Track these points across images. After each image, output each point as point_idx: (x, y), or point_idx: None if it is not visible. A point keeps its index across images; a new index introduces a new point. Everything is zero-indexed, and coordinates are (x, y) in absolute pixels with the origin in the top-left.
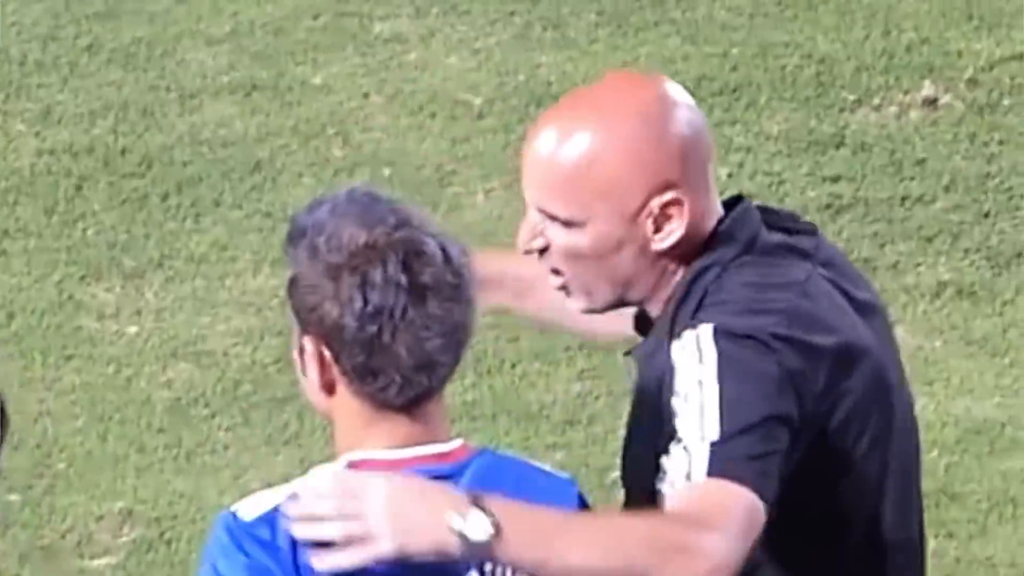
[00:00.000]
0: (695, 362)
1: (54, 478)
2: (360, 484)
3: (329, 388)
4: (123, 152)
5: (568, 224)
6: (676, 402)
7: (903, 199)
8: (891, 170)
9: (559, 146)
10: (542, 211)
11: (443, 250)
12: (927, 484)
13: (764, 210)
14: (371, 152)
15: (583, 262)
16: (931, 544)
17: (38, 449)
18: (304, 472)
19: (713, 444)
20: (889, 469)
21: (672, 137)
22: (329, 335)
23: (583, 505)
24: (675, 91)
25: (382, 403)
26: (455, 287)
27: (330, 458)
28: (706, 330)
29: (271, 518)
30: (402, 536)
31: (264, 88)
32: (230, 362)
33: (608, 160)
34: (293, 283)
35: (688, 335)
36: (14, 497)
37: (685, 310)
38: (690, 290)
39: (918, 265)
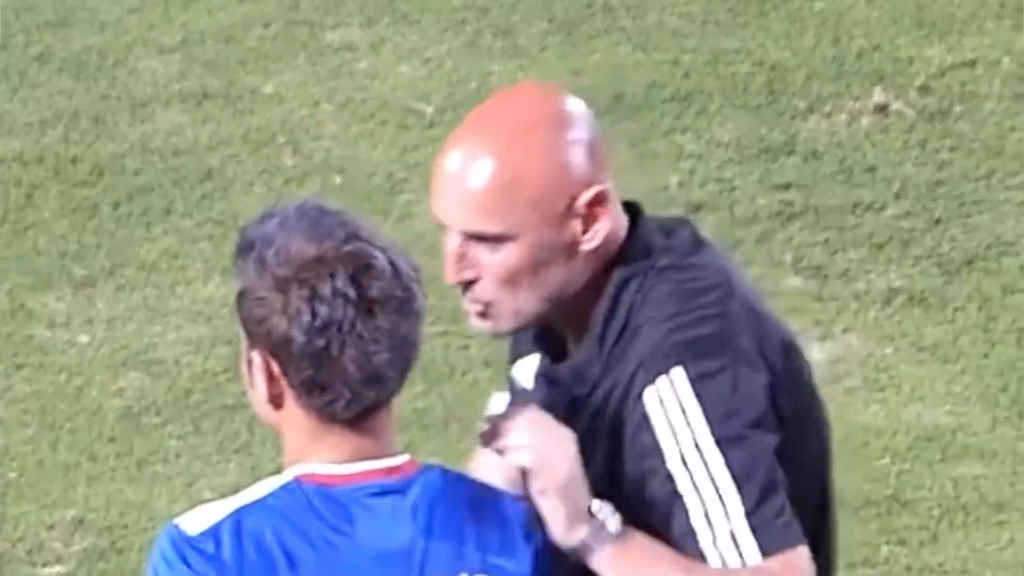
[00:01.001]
0: (681, 423)
1: (5, 487)
2: (556, 433)
3: (277, 401)
4: (74, 161)
5: (500, 240)
6: (673, 466)
7: (854, 206)
8: (842, 177)
9: (477, 167)
10: (469, 234)
11: (392, 264)
12: (878, 491)
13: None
14: (322, 160)
15: (517, 278)
16: (883, 551)
17: None
18: (255, 481)
19: (749, 517)
20: (827, 431)
21: (580, 138)
22: (277, 348)
23: (532, 525)
24: (569, 97)
25: (329, 416)
26: (403, 301)
27: (280, 468)
28: (679, 378)
29: (216, 531)
30: (553, 492)
31: (215, 96)
32: (181, 371)
33: (529, 169)
34: (241, 296)
35: (663, 386)
36: None
37: (612, 327)
38: (616, 304)
39: (869, 272)
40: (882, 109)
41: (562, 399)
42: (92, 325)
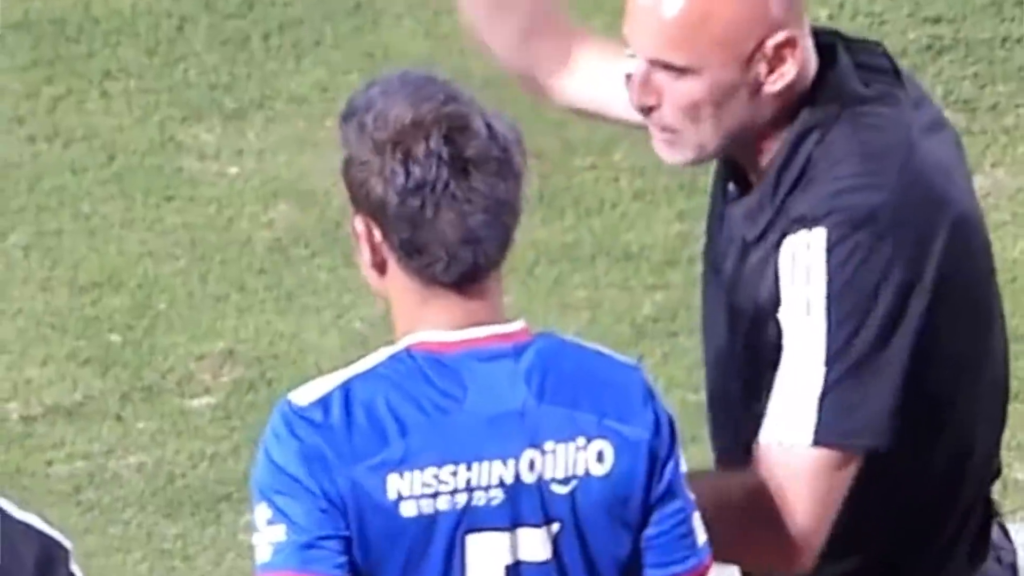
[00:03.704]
0: (802, 278)
1: (155, 318)
2: None
3: (380, 267)
4: None
5: (684, 72)
6: (783, 319)
7: (1004, 39)
8: (992, 10)
9: None
10: (655, 62)
11: (489, 126)
12: None
13: (848, 47)
14: None
15: (697, 111)
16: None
17: (139, 289)
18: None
19: (820, 399)
20: (991, 359)
21: None
22: (375, 212)
23: (648, 392)
24: None
25: (431, 279)
26: (501, 162)
27: None
28: (817, 239)
29: (325, 400)
30: None
31: None
32: (331, 202)
33: (721, 8)
34: (345, 163)
35: (799, 241)
36: (115, 337)
37: (788, 175)
38: (794, 152)
39: (1018, 106)
40: None
41: (734, 239)
42: (242, 157)
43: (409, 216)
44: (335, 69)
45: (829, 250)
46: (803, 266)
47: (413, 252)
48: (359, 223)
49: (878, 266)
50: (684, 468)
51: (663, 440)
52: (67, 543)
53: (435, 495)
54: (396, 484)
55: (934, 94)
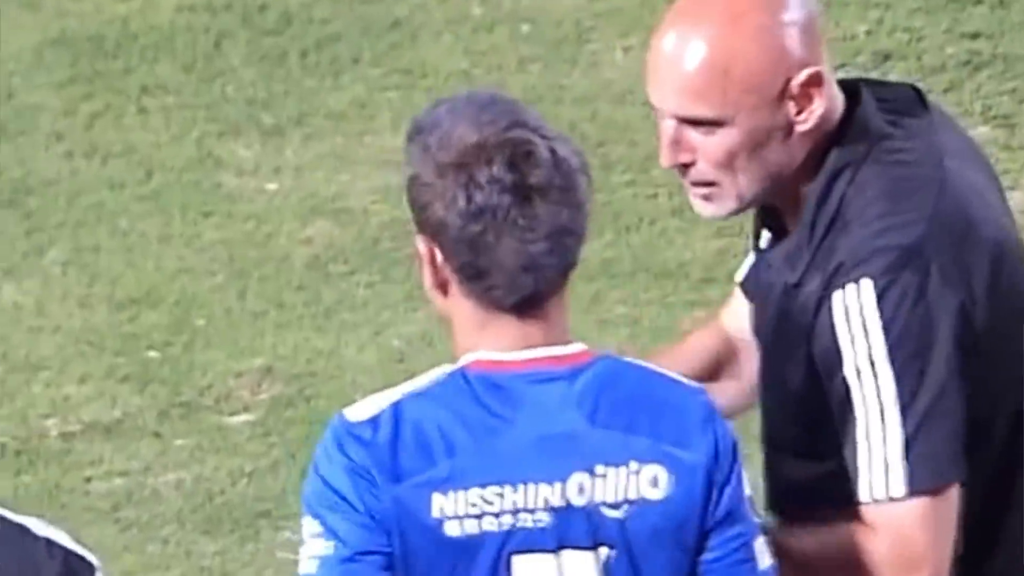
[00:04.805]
0: (860, 334)
1: (193, 335)
2: None
3: (443, 287)
4: (262, 8)
5: (715, 124)
6: (848, 375)
7: None
8: None
9: (691, 52)
10: (684, 119)
11: (553, 152)
12: None
13: (868, 84)
14: (510, 9)
15: (733, 161)
16: None
17: (177, 306)
18: (442, 330)
19: (905, 447)
20: None
21: (794, 19)
22: (437, 234)
23: (708, 415)
24: None
25: (492, 303)
26: (564, 190)
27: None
28: (867, 292)
29: (376, 419)
30: None
31: None
32: (369, 219)
33: (743, 53)
34: (409, 182)
35: (850, 296)
36: (153, 354)
37: (823, 215)
38: (828, 192)
39: None
40: None
41: (775, 285)
42: (280, 173)
43: (470, 241)
44: (373, 86)
45: (880, 300)
46: (858, 322)
47: (474, 276)
48: (422, 243)
49: (929, 302)
50: (748, 492)
51: (722, 465)
52: (94, 560)
53: (480, 516)
54: (440, 503)
55: (972, 109)
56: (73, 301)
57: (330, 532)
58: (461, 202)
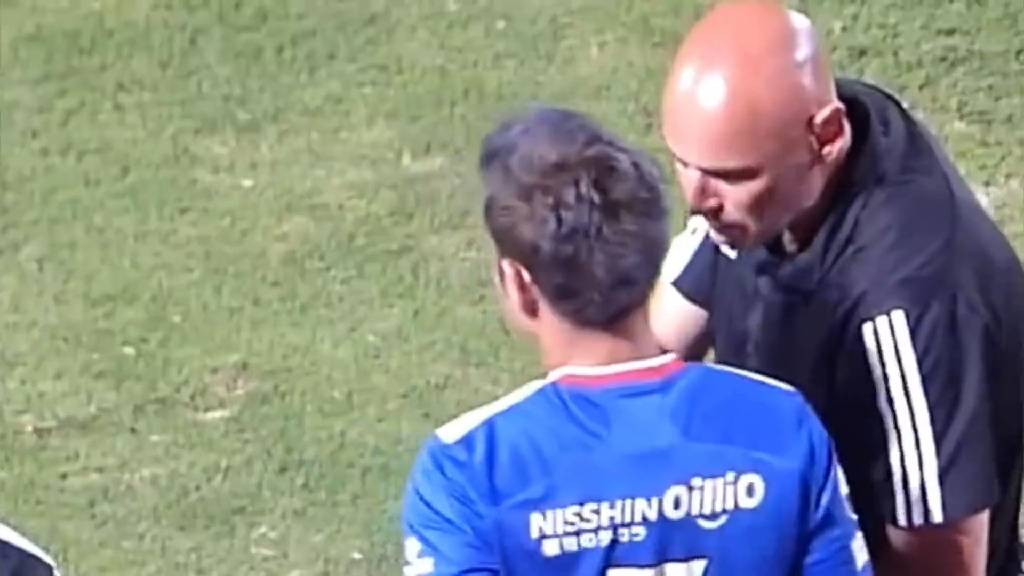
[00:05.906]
0: (894, 365)
1: (169, 331)
2: None
3: (531, 309)
4: (237, 5)
5: (743, 175)
6: (882, 404)
7: (1018, 52)
8: (1006, 22)
9: (714, 102)
10: (709, 171)
11: (635, 165)
12: None
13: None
14: (485, 5)
15: (763, 206)
16: None
17: (153, 302)
18: (417, 326)
19: (941, 475)
20: None
21: (807, 57)
22: (525, 257)
23: (802, 418)
24: (790, 13)
25: (583, 321)
26: (649, 202)
27: (444, 310)
28: (899, 323)
29: (470, 438)
30: None
31: None
32: (345, 215)
33: (764, 101)
34: (488, 205)
35: (882, 327)
36: (129, 350)
37: (837, 239)
38: (843, 217)
39: None
40: None
41: (786, 290)
42: (256, 169)
43: (563, 262)
44: (348, 81)
45: (913, 332)
46: (891, 355)
47: (566, 295)
48: (507, 266)
49: (959, 331)
50: (844, 490)
51: (817, 468)
52: (50, 560)
53: (578, 533)
54: (538, 523)
55: (948, 106)
56: (49, 297)
57: (435, 551)
58: (551, 224)
